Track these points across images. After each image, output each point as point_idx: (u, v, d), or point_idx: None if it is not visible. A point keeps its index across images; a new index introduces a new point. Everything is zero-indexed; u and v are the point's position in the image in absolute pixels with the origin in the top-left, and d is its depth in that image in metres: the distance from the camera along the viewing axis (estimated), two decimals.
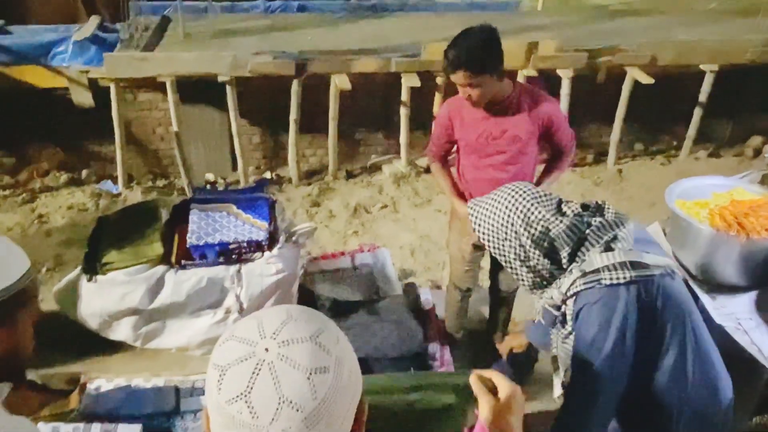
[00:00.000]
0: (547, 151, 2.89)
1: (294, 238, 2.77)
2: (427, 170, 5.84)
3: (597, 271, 1.59)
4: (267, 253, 2.64)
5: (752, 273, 2.41)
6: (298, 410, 0.78)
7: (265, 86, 5.96)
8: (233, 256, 2.63)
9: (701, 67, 6.25)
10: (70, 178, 6.05)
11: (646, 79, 5.98)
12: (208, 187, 6.00)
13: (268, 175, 6.41)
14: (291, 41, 6.18)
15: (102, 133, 5.95)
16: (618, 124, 6.42)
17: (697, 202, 2.55)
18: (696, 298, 2.42)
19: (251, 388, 0.79)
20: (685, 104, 6.52)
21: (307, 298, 2.79)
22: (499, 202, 1.69)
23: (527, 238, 1.63)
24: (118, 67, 5.50)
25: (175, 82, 5.55)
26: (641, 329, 1.58)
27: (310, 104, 6.00)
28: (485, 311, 3.46)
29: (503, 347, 2.11)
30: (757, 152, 6.80)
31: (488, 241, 1.72)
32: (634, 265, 1.58)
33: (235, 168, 6.26)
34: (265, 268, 2.60)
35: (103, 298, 2.55)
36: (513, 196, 1.67)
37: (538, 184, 2.87)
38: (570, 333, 1.66)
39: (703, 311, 2.32)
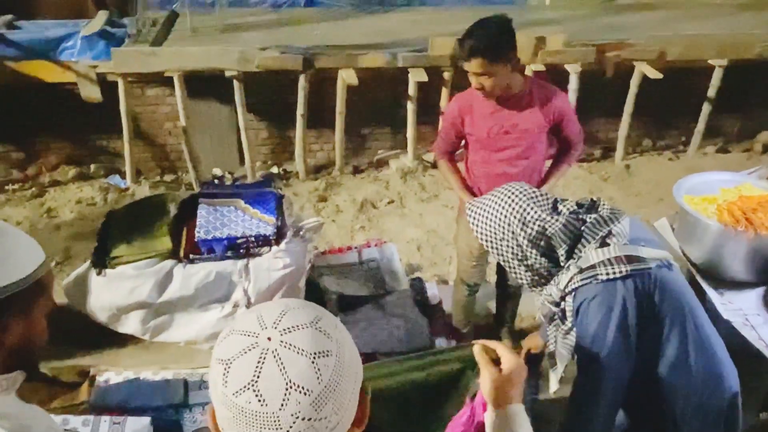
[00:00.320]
0: (554, 145, 2.89)
1: (301, 233, 2.78)
2: (434, 165, 5.83)
3: (593, 266, 1.61)
4: (275, 248, 2.65)
5: (760, 269, 2.41)
6: (306, 394, 0.79)
7: (272, 81, 5.96)
8: (241, 251, 2.63)
9: (710, 62, 6.20)
10: (79, 172, 6.08)
11: (655, 74, 5.94)
12: (216, 181, 6.01)
13: (275, 169, 6.41)
14: (298, 36, 6.18)
15: (110, 128, 5.98)
16: (626, 119, 6.38)
17: (705, 198, 2.55)
18: (703, 293, 2.42)
19: (258, 377, 0.79)
20: (694, 99, 6.47)
21: (314, 292, 2.81)
22: (495, 203, 1.71)
23: (524, 238, 1.66)
24: (126, 61, 5.52)
25: (182, 77, 5.56)
26: (641, 321, 1.59)
27: (317, 99, 6.01)
28: (492, 306, 3.47)
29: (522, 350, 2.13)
30: (766, 148, 6.77)
31: (486, 241, 1.74)
32: (630, 258, 1.60)
33: (242, 162, 6.27)
34: (273, 263, 2.61)
35: (112, 291, 2.57)
36: (509, 197, 1.69)
37: (546, 178, 2.87)
38: (570, 329, 1.68)
39: (711, 307, 2.33)
